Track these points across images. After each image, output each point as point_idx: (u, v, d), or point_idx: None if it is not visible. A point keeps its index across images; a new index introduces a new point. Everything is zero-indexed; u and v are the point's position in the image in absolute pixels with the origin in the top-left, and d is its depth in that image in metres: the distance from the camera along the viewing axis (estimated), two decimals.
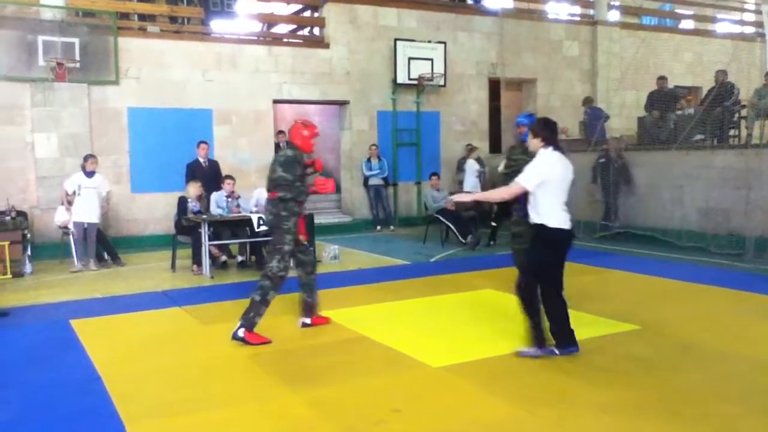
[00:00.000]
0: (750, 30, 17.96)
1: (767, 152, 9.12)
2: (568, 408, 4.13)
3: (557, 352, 5.00)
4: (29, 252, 9.30)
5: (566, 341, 5.02)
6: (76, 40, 10.75)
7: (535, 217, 4.95)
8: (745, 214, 8.91)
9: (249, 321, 5.51)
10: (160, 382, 4.71)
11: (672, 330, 5.65)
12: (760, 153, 9.17)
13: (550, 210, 4.87)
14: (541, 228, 4.90)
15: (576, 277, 8.39)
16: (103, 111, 11.20)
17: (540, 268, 4.98)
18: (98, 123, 11.14)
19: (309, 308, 6.06)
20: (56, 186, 10.11)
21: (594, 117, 13.67)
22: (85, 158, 9.58)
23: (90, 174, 9.44)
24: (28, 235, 9.36)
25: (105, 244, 9.77)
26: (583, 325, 5.97)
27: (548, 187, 4.84)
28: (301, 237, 5.87)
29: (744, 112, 12.10)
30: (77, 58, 10.73)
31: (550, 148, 4.93)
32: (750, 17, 19.86)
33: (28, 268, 9.15)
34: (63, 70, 10.58)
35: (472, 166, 12.06)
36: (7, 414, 4.20)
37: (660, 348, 5.18)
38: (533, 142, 5.03)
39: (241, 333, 5.46)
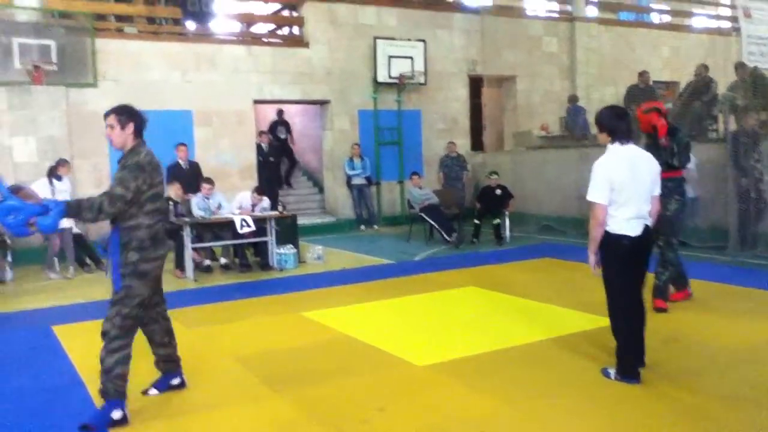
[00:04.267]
0: (726, 24, 18.15)
1: None
2: (553, 402, 4.15)
3: (612, 376, 4.45)
4: (9, 258, 9.17)
5: (624, 368, 4.42)
6: (52, 43, 10.62)
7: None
8: (725, 206, 9.02)
9: None
10: (144, 386, 4.67)
11: (656, 324, 5.69)
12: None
13: (614, 213, 4.31)
14: (605, 234, 4.36)
15: (552, 273, 8.52)
16: (82, 114, 11.07)
17: (605, 277, 4.47)
18: (77, 126, 11.01)
19: None
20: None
21: (576, 114, 13.83)
22: (60, 162, 9.45)
23: (59, 178, 9.31)
24: (8, 241, 9.22)
25: (87, 249, 9.67)
26: (564, 319, 6.07)
27: (616, 191, 4.27)
28: None
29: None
30: (54, 60, 10.60)
31: (617, 144, 4.37)
32: (726, 11, 20.08)
33: (8, 274, 9.01)
34: (40, 72, 10.44)
35: None
36: None
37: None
38: (600, 137, 4.51)
39: None
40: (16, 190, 3.95)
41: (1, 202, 3.72)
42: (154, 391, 4.45)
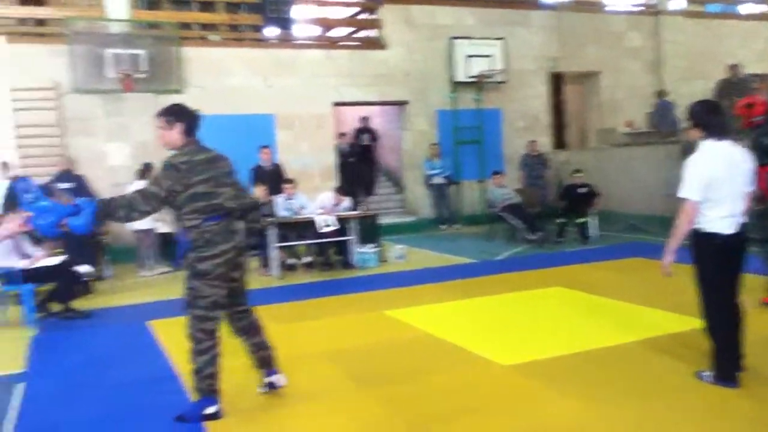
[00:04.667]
0: None
1: None
2: (643, 407, 3.97)
3: (708, 379, 4.26)
4: (107, 257, 9.60)
5: (720, 371, 4.22)
6: (142, 52, 11.05)
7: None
8: None
9: None
10: (237, 380, 4.75)
11: (758, 327, 5.38)
12: None
13: (707, 211, 4.12)
14: (694, 233, 4.20)
15: (640, 273, 8.20)
16: None
17: (697, 276, 4.28)
18: None
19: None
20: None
21: (664, 109, 13.28)
22: (145, 166, 9.81)
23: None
24: (107, 240, 9.65)
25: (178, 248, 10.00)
26: (653, 321, 5.82)
27: (711, 188, 4.08)
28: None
29: None
30: (143, 68, 11.02)
31: (712, 140, 4.14)
32: None
33: (107, 272, 9.44)
34: (130, 80, 10.89)
35: None
36: (94, 412, 4.32)
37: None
38: (691, 133, 4.28)
39: None
40: (49, 192, 4.06)
41: (32, 203, 3.81)
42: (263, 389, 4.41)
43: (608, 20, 15.36)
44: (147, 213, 3.98)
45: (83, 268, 8.41)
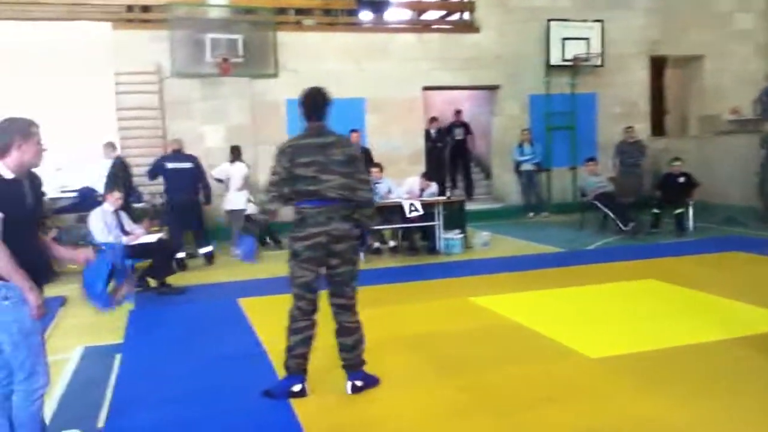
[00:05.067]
0: None
1: None
2: (734, 409, 3.81)
3: None
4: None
5: None
6: (239, 37, 11.35)
7: None
8: None
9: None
10: (320, 359, 4.85)
11: None
12: None
13: None
14: None
15: (739, 268, 7.80)
16: (264, 103, 11.78)
17: None
18: (259, 114, 11.75)
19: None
20: (223, 174, 10.75)
21: None
22: (232, 149, 10.08)
23: (233, 162, 9.92)
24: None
25: (266, 229, 10.28)
26: (751, 317, 5.53)
27: None
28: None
29: None
30: (240, 53, 11.34)
31: None
32: None
33: (203, 251, 9.82)
34: (227, 65, 11.23)
35: None
36: (184, 385, 4.54)
37: None
38: None
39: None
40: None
41: None
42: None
43: (716, 1, 14.53)
44: (272, 201, 4.15)
45: (205, 249, 8.92)
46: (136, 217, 8.25)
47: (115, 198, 7.38)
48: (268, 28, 11.81)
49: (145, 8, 11.66)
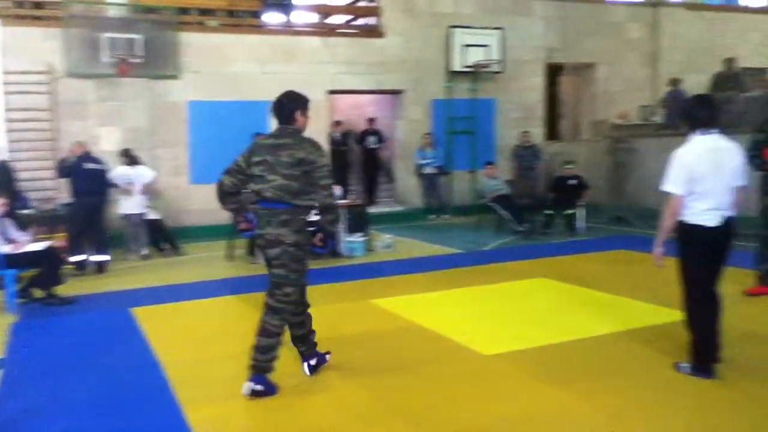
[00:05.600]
0: None
1: None
2: (624, 396, 4.09)
3: (686, 370, 4.36)
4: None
5: (698, 362, 4.32)
6: (138, 36, 11.03)
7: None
8: None
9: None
10: (218, 368, 4.85)
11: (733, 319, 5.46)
12: None
13: (692, 204, 4.20)
14: (678, 224, 4.30)
15: (625, 265, 8.29)
16: (165, 105, 11.53)
17: (680, 268, 4.36)
18: (159, 116, 11.48)
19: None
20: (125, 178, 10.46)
21: (676, 98, 12.93)
22: (127, 152, 9.89)
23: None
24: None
25: (164, 234, 10.09)
26: (637, 312, 5.92)
27: (694, 181, 4.16)
28: None
29: None
30: (139, 53, 11.04)
31: (699, 133, 4.24)
32: None
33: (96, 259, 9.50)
34: (126, 65, 10.92)
35: None
36: (70, 400, 4.39)
37: None
38: (685, 127, 4.38)
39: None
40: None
41: None
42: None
43: (608, 11, 15.32)
44: (221, 183, 4.38)
45: (100, 257, 8.57)
46: (23, 224, 7.85)
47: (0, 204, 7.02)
48: (169, 28, 11.55)
49: (38, 4, 11.17)
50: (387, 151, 14.58)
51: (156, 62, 11.34)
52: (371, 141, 14.10)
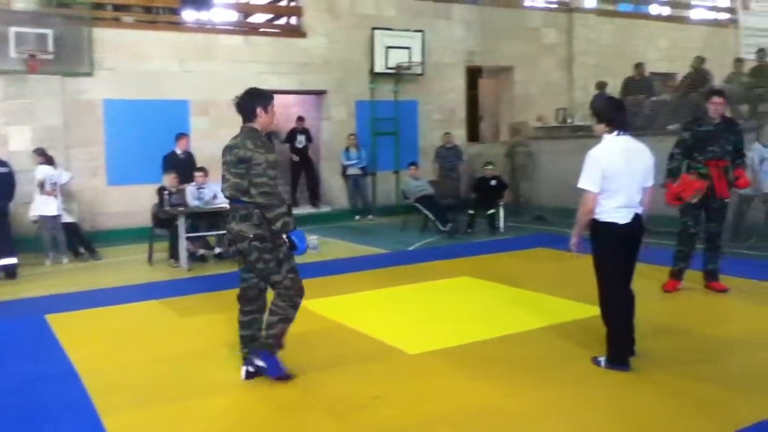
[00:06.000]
0: (724, 16, 18.11)
1: None
2: (547, 389, 4.23)
3: (603, 364, 4.53)
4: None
5: (613, 356, 4.49)
6: (49, 31, 10.59)
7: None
8: None
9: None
10: (138, 374, 4.73)
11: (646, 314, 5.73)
12: None
13: (604, 201, 4.39)
14: (592, 222, 4.46)
15: (545, 263, 8.57)
16: (78, 103, 11.10)
17: (595, 265, 4.53)
18: (73, 115, 11.04)
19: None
20: (31, 179, 10.00)
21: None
22: (35, 151, 9.53)
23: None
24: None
25: (80, 238, 9.72)
26: (556, 308, 6.12)
27: (607, 179, 4.34)
28: None
29: None
30: (50, 49, 10.58)
31: (614, 134, 4.42)
32: (724, 3, 20.04)
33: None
34: (36, 61, 10.45)
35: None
36: None
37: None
38: (597, 128, 4.51)
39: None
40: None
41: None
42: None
43: (525, 16, 15.77)
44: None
45: (6, 261, 8.18)
46: None
47: None
48: (83, 23, 11.13)
49: None
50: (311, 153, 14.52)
51: (69, 59, 10.92)
52: (300, 140, 13.88)
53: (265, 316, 4.47)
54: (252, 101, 4.41)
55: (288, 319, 4.43)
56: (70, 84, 11.05)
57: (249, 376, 4.48)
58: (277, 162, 4.34)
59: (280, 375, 4.41)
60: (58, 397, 4.31)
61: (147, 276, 8.39)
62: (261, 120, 4.40)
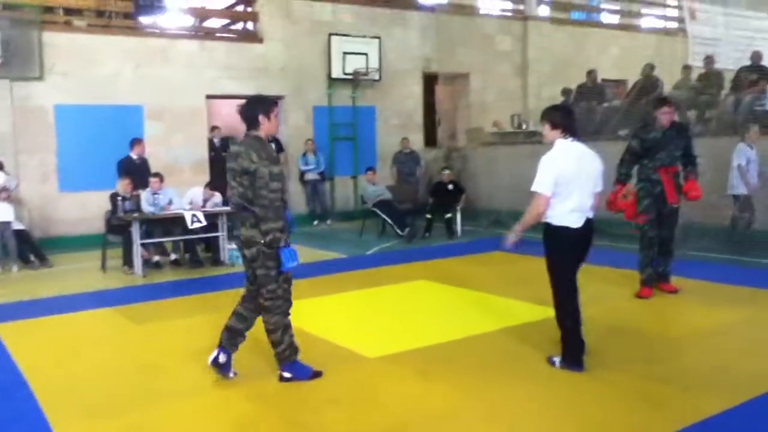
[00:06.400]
0: (673, 25, 18.63)
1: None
2: (504, 390, 4.29)
3: (557, 364, 4.62)
4: None
5: (568, 356, 4.60)
6: None
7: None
8: None
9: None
10: (91, 384, 4.64)
11: (599, 314, 5.85)
12: None
13: (557, 205, 4.47)
14: (545, 226, 4.57)
15: (501, 266, 8.69)
16: (27, 108, 10.85)
17: (549, 267, 4.63)
18: (22, 121, 10.79)
19: None
20: None
21: None
22: None
23: None
24: None
25: (31, 245, 9.49)
26: (512, 311, 6.22)
27: (561, 184, 4.43)
28: None
29: None
30: None
31: (567, 140, 4.54)
32: (673, 12, 20.61)
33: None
34: None
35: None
36: None
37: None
38: (549, 134, 4.60)
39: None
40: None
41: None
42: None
43: (481, 23, 15.97)
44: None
45: None
46: None
47: None
48: (32, 27, 10.88)
49: None
50: None
51: (17, 63, 10.69)
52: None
53: (265, 337, 4.54)
54: (253, 109, 4.38)
55: (287, 326, 4.52)
56: (19, 89, 10.80)
57: (215, 362, 4.56)
58: (281, 173, 4.34)
59: (310, 376, 4.55)
60: (8, 411, 4.20)
61: (100, 283, 8.23)
62: (264, 127, 4.40)
